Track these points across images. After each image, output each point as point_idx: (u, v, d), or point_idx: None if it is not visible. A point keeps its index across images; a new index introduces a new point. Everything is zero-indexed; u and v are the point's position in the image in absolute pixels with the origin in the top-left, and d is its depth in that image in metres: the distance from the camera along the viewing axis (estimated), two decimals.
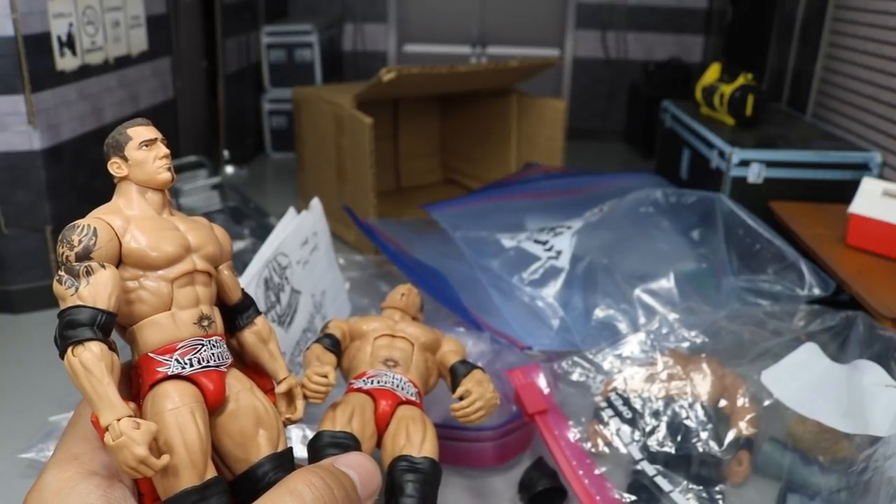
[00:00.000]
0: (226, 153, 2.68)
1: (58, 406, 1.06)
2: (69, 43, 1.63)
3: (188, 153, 2.14)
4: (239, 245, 1.67)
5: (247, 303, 0.41)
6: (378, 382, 0.66)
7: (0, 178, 1.52)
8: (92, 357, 0.31)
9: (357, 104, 1.83)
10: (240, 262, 1.54)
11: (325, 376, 0.60)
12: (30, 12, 1.49)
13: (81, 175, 1.67)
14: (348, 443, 0.59)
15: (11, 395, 1.23)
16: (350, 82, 2.76)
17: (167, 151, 0.37)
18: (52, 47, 1.57)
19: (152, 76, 2.09)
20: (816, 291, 1.18)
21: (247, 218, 1.92)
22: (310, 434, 0.88)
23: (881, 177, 1.62)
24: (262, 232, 1.75)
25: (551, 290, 1.18)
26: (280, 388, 0.41)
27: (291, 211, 1.04)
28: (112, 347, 0.32)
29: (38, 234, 1.55)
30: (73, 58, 1.65)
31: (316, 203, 1.09)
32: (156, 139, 0.37)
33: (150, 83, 2.08)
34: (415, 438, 0.61)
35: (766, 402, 0.93)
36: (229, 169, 2.66)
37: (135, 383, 0.36)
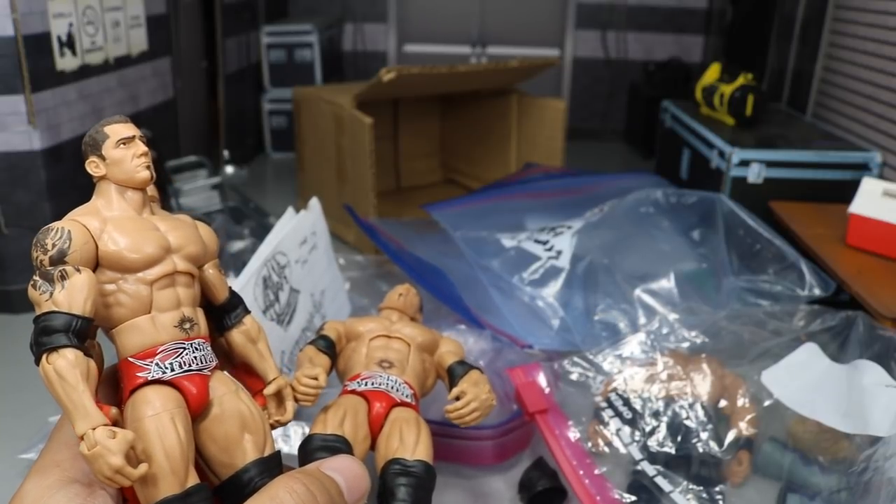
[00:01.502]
0: (226, 153, 2.68)
1: (57, 406, 1.06)
2: (69, 43, 1.63)
3: (188, 153, 2.14)
4: (239, 245, 1.67)
5: (234, 302, 0.40)
6: (372, 384, 0.65)
7: (0, 178, 1.52)
8: (66, 364, 0.30)
9: (357, 104, 1.83)
10: (240, 262, 1.55)
11: (315, 378, 0.59)
12: (30, 12, 1.49)
13: (81, 175, 1.66)
14: (339, 446, 0.58)
15: (11, 396, 1.23)
16: (350, 82, 2.76)
17: (146, 149, 0.36)
18: (52, 47, 1.57)
19: (152, 76, 2.09)
20: (817, 292, 1.18)
21: (247, 218, 1.92)
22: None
23: (881, 177, 1.62)
24: (262, 232, 1.75)
25: (551, 290, 1.18)
26: (269, 390, 0.41)
27: (290, 210, 1.04)
28: (88, 353, 0.32)
29: None
30: (73, 58, 1.65)
31: (314, 203, 1.09)
32: (134, 137, 0.36)
33: (150, 83, 2.08)
34: (408, 441, 0.60)
35: (767, 403, 0.93)
36: (229, 169, 2.66)
37: (119, 388, 0.35)
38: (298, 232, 0.99)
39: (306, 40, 2.95)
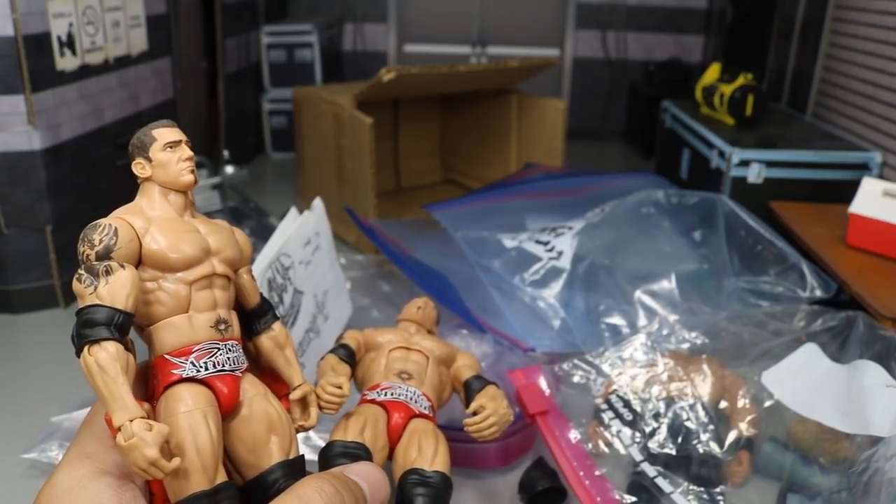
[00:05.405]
0: (226, 153, 2.68)
1: (59, 406, 1.06)
2: (69, 43, 1.63)
3: None
4: None
5: (265, 307, 0.41)
6: (391, 395, 0.66)
7: (0, 178, 1.52)
8: (107, 357, 0.31)
9: (357, 104, 1.83)
10: None
11: (340, 387, 0.60)
12: (30, 12, 1.49)
13: (81, 175, 1.66)
14: (359, 453, 0.59)
15: (12, 396, 1.23)
16: (350, 82, 2.76)
17: (191, 154, 0.38)
18: (52, 47, 1.57)
19: (152, 76, 2.09)
20: (818, 293, 1.18)
21: (247, 218, 1.92)
22: (314, 437, 0.88)
23: (881, 177, 1.62)
24: (262, 232, 1.75)
25: (552, 291, 1.18)
26: (294, 395, 0.41)
27: (293, 211, 1.05)
28: (128, 347, 0.33)
29: (38, 234, 1.55)
30: (73, 58, 1.65)
31: (318, 203, 1.09)
32: (180, 141, 0.37)
33: (150, 83, 2.08)
34: (427, 452, 0.61)
35: (767, 403, 0.93)
36: (229, 169, 2.65)
37: (150, 384, 0.36)
38: (302, 233, 0.99)
39: (306, 40, 2.94)
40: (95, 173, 1.71)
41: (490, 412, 0.67)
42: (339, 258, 1.26)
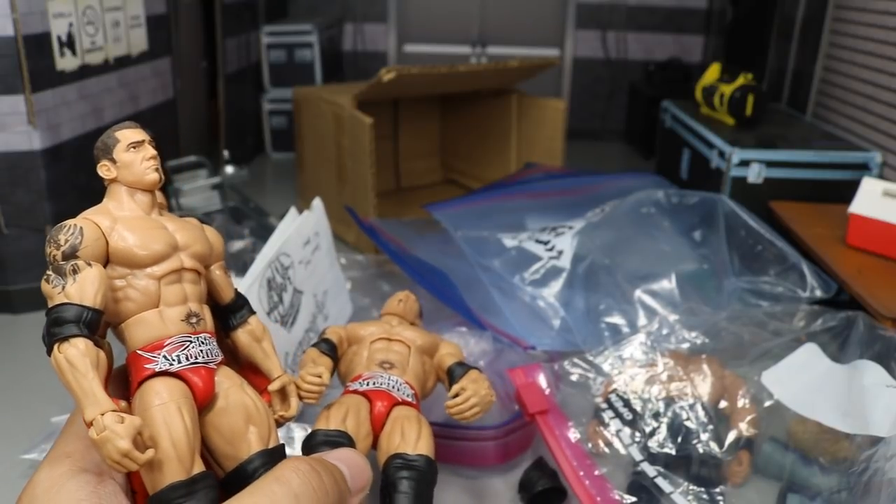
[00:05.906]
0: (226, 153, 2.68)
1: (59, 407, 1.06)
2: (69, 43, 1.63)
3: (188, 153, 2.14)
4: (239, 245, 1.67)
5: (240, 302, 0.42)
6: (373, 384, 0.66)
7: (0, 178, 1.52)
8: (77, 353, 0.31)
9: (357, 104, 1.83)
10: (240, 263, 1.55)
11: (319, 376, 0.60)
12: (30, 12, 1.49)
13: (81, 175, 1.66)
14: (342, 441, 0.59)
15: (12, 396, 1.23)
16: (350, 82, 2.76)
17: (154, 153, 0.38)
18: (52, 47, 1.57)
19: (152, 76, 2.09)
20: (818, 293, 1.18)
21: (247, 218, 1.92)
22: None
23: (881, 177, 1.62)
24: (262, 232, 1.75)
25: (552, 290, 1.18)
26: (273, 386, 0.42)
27: (293, 211, 1.05)
28: (99, 344, 0.33)
29: (38, 234, 1.55)
30: (73, 58, 1.65)
31: (318, 203, 1.09)
32: (143, 141, 0.38)
33: (150, 83, 2.08)
34: (409, 436, 0.61)
35: (767, 403, 0.93)
36: (229, 169, 2.66)
37: (129, 384, 0.36)
38: (302, 233, 0.99)
39: (306, 40, 2.95)
40: (95, 173, 1.71)
41: (471, 393, 0.68)
42: (339, 258, 1.26)
